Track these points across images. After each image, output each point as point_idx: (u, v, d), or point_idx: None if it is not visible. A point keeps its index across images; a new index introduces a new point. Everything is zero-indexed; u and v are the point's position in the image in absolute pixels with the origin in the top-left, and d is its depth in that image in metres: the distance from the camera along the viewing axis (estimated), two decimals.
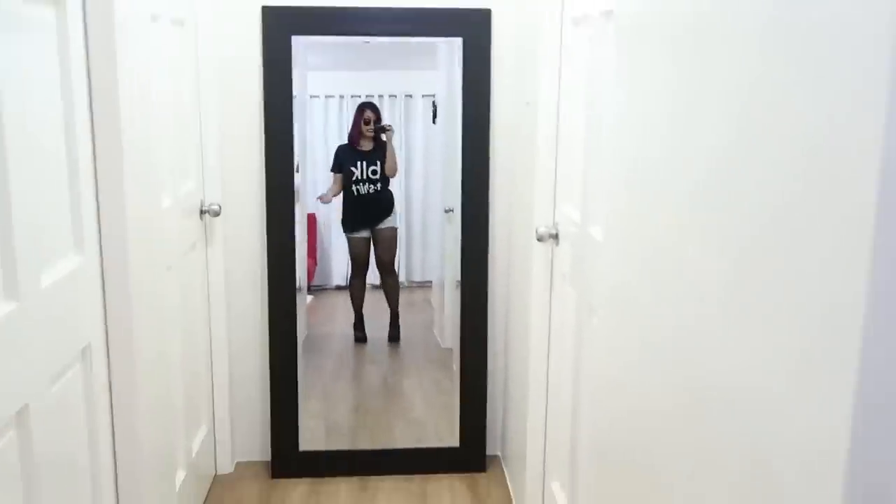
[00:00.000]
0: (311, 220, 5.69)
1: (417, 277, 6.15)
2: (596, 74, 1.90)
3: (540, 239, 2.30)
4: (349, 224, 4.57)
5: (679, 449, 1.27)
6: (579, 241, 2.05)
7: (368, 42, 4.32)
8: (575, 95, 2.14)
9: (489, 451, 3.07)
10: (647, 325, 1.42)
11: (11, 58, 1.37)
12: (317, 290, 6.02)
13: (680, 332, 1.26)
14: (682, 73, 1.21)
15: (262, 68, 2.78)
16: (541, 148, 2.33)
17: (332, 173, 4.56)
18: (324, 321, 5.29)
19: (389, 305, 4.67)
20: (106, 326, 1.80)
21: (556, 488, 2.38)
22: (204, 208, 2.70)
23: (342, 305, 4.77)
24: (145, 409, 1.94)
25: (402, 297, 4.90)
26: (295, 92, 2.85)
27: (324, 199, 4.66)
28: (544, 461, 2.51)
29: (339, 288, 5.88)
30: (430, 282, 5.61)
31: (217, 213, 2.72)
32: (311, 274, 5.77)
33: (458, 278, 2.98)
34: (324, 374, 4.13)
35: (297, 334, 2.95)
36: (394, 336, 4.62)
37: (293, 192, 2.87)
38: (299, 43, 3.57)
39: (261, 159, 2.84)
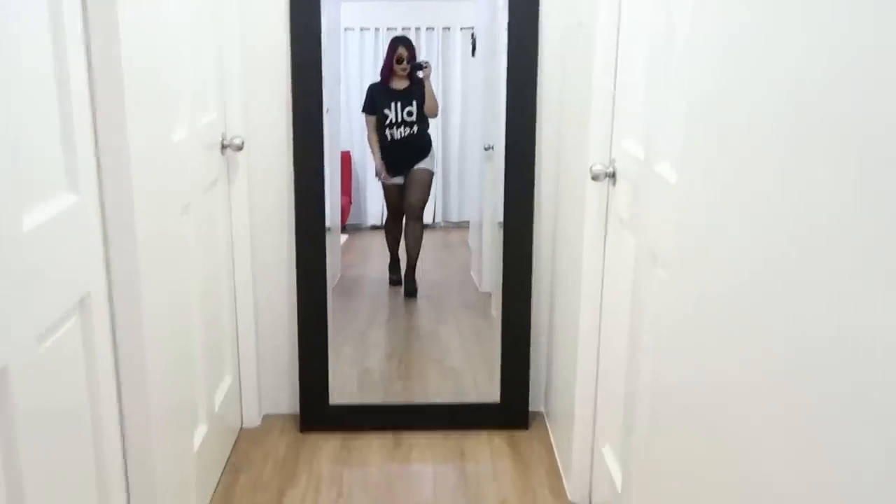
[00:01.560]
0: (346, 158, 5.48)
1: (454, 217, 5.94)
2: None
3: (595, 177, 2.05)
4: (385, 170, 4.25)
5: (750, 414, 1.06)
6: (642, 180, 1.79)
7: None
8: (638, 13, 1.86)
9: (532, 407, 2.87)
10: (722, 279, 1.19)
11: None
12: (352, 230, 5.85)
13: (763, 286, 1.02)
14: None
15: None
16: (597, 75, 2.06)
17: (364, 114, 4.26)
18: (358, 262, 5.10)
19: (408, 256, 4.33)
20: (108, 273, 1.60)
21: (608, 453, 2.17)
22: (226, 142, 2.48)
23: (378, 246, 4.54)
24: (156, 363, 1.76)
25: (439, 238, 4.67)
26: (327, 23, 2.60)
27: (381, 177, 4.29)
28: (594, 424, 2.30)
29: (374, 228, 5.70)
30: (468, 222, 5.39)
31: (240, 148, 2.50)
32: (345, 213, 5.58)
33: (500, 219, 2.74)
34: (357, 318, 3.94)
35: (328, 278, 2.75)
36: (410, 290, 4.26)
37: (321, 127, 2.62)
38: None
39: (287, 92, 2.60)
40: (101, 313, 1.56)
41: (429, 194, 4.34)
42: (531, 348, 2.78)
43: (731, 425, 1.16)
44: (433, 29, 5.75)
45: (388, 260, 4.45)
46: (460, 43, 5.74)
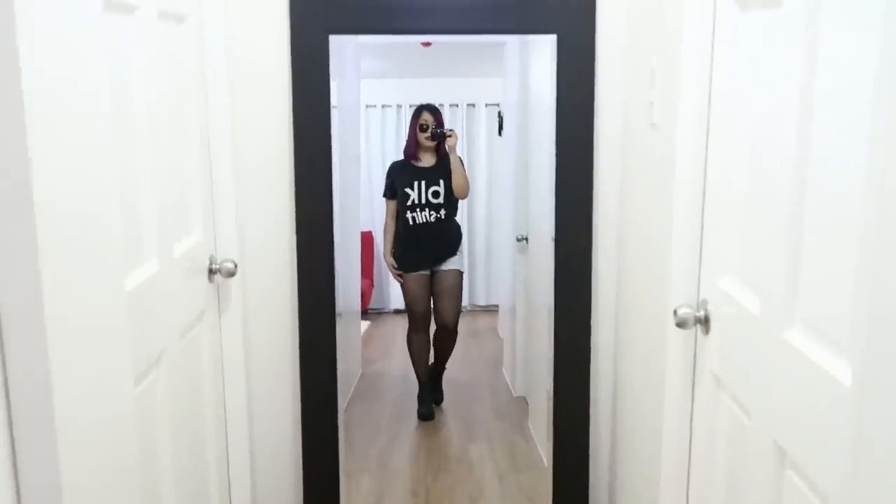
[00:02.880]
0: (367, 238, 5.10)
1: (482, 301, 5.51)
2: (801, 72, 1.17)
3: (681, 324, 1.57)
4: (404, 262, 3.62)
5: None
6: (757, 342, 1.32)
7: (430, 44, 3.68)
8: (742, 112, 1.42)
9: None
10: None
11: None
12: (374, 314, 5.44)
13: None
14: None
15: (290, 76, 2.11)
16: (680, 192, 1.60)
17: (384, 199, 3.70)
18: (380, 356, 4.65)
19: (436, 361, 3.78)
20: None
21: None
22: (215, 266, 2.04)
23: (402, 333, 4.00)
24: None
25: (465, 324, 4.17)
26: (348, 100, 2.20)
27: (396, 276, 3.71)
28: None
29: (397, 311, 5.27)
30: (497, 306, 4.94)
31: (232, 273, 2.05)
32: (366, 297, 5.17)
33: (542, 314, 2.27)
34: (377, 433, 3.45)
35: (346, 390, 2.28)
36: (437, 399, 3.74)
37: (331, 220, 2.18)
38: (348, 47, 2.95)
39: (290, 188, 2.18)
40: None
41: (460, 300, 3.72)
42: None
43: None
44: (457, 105, 5.46)
45: (412, 374, 3.87)
46: (485, 120, 5.45)
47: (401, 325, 4.31)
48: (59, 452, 1.12)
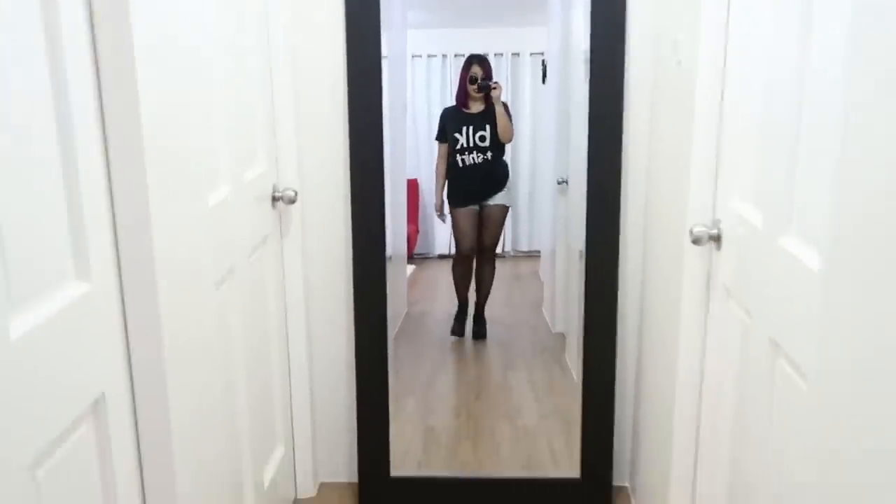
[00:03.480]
0: (413, 185, 5.28)
1: (524, 247, 5.68)
2: (800, 12, 1.32)
3: (696, 241, 1.75)
4: (454, 198, 3.97)
5: None
6: (759, 252, 1.49)
7: None
8: (753, 48, 1.57)
9: (616, 481, 2.56)
10: (886, 404, 0.89)
11: None
12: (419, 259, 5.64)
13: None
14: None
15: (345, 24, 2.30)
16: (699, 122, 1.76)
17: (436, 142, 4.00)
18: (425, 297, 4.86)
19: (478, 296, 4.07)
20: (129, 368, 1.38)
21: None
22: (278, 194, 2.26)
23: (445, 277, 4.25)
24: (186, 462, 1.53)
25: (507, 269, 4.41)
26: (395, 51, 2.37)
27: (438, 214, 4.04)
28: None
29: (441, 257, 5.48)
30: (538, 252, 5.12)
31: (293, 200, 2.27)
32: (412, 242, 5.38)
33: (578, 252, 2.45)
34: (422, 364, 3.69)
35: (393, 324, 2.49)
36: (479, 333, 4.00)
37: (382, 166, 2.37)
38: None
39: (344, 133, 2.37)
40: (119, 415, 1.34)
41: (501, 232, 4.07)
42: (616, 419, 2.48)
43: None
44: (502, 55, 5.55)
45: (455, 297, 4.17)
46: (530, 69, 5.53)
47: (444, 270, 4.52)
48: (162, 328, 1.36)
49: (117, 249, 1.32)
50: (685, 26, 1.89)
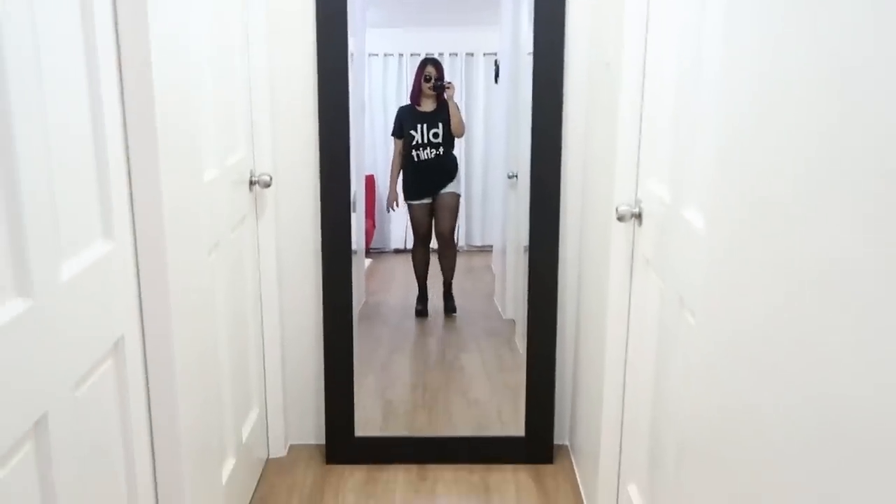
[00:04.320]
0: (370, 181, 5.53)
1: (478, 242, 5.96)
2: (695, 27, 1.63)
3: (621, 218, 2.05)
4: (410, 192, 4.31)
5: (778, 463, 1.05)
6: (668, 223, 1.80)
7: None
8: (666, 54, 1.88)
9: (557, 440, 2.87)
10: (757, 333, 1.19)
11: (23, 15, 1.18)
12: (375, 254, 5.88)
13: (800, 345, 1.02)
14: (832, 19, 0.95)
15: (314, 23, 2.56)
16: (623, 115, 2.07)
17: (392, 138, 4.31)
18: (382, 288, 5.13)
19: (444, 276, 4.44)
20: (141, 316, 1.63)
21: (633, 492, 2.16)
22: (254, 178, 2.52)
23: (401, 270, 4.57)
24: (187, 400, 1.78)
25: (461, 262, 4.71)
26: (352, 49, 2.63)
27: (390, 207, 4.40)
28: (620, 461, 2.29)
29: (397, 251, 5.73)
30: (491, 246, 5.41)
31: (268, 184, 2.54)
32: (369, 237, 5.62)
33: (525, 247, 2.76)
34: (380, 346, 3.96)
35: (354, 310, 2.76)
36: (450, 308, 4.39)
37: (348, 159, 2.66)
38: None
39: (314, 124, 2.63)
40: (134, 355, 1.59)
41: (457, 217, 4.41)
42: (556, 381, 2.79)
43: (759, 473, 1.16)
44: (456, 55, 5.79)
45: (410, 286, 4.48)
46: (483, 69, 5.79)
47: (400, 263, 4.82)
48: (168, 282, 1.62)
49: (133, 214, 1.57)
50: (612, 32, 2.19)
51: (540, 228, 2.67)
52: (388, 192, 4.40)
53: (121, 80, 1.52)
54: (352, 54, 2.66)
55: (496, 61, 4.81)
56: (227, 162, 2.24)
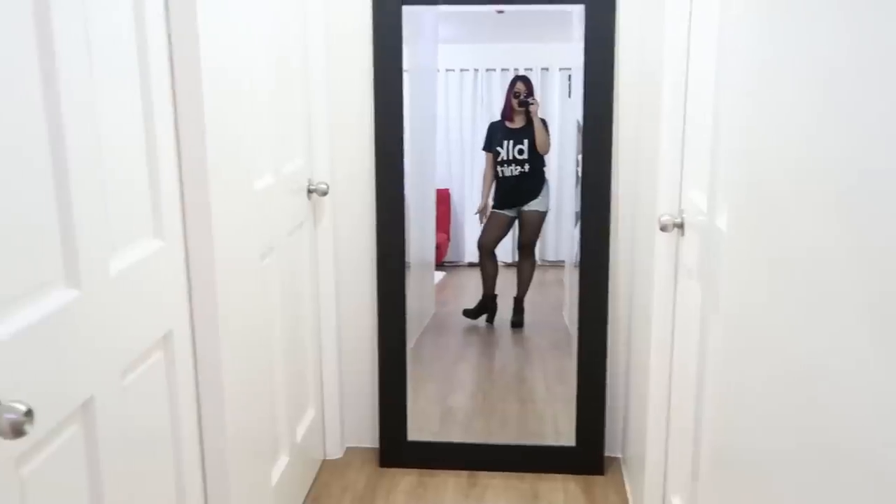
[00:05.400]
0: (444, 195, 5.61)
1: (551, 257, 5.96)
2: (725, 38, 1.64)
3: (663, 228, 2.06)
4: (496, 203, 4.41)
5: (806, 477, 1.05)
6: (706, 232, 1.80)
7: (503, 11, 4.18)
8: (707, 64, 1.88)
9: (609, 452, 2.87)
10: (773, 335, 1.19)
11: (81, 26, 1.29)
12: (449, 267, 5.95)
13: (813, 349, 1.03)
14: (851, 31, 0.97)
15: (372, 40, 2.65)
16: (665, 125, 2.08)
17: (484, 152, 4.41)
18: (452, 300, 5.20)
19: (518, 290, 4.47)
20: (191, 312, 1.73)
21: (677, 503, 2.15)
22: (312, 187, 2.62)
23: (473, 283, 4.63)
24: (235, 396, 1.88)
25: (535, 277, 4.75)
26: (425, 64, 2.71)
27: (480, 217, 4.48)
28: (665, 472, 2.28)
29: (471, 265, 5.78)
30: (563, 261, 5.42)
31: (325, 193, 2.64)
32: (442, 250, 5.71)
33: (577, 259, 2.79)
34: (445, 355, 4.02)
35: (421, 320, 2.83)
36: (518, 321, 4.40)
37: (402, 170, 2.73)
38: (426, 14, 3.45)
39: (370, 136, 2.72)
40: (183, 349, 1.69)
41: (538, 233, 4.46)
42: (608, 392, 2.79)
43: (786, 485, 1.16)
44: (532, 70, 5.82)
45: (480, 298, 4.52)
46: (559, 84, 5.80)
47: (474, 277, 4.88)
48: (216, 282, 1.72)
49: (184, 216, 1.68)
50: (656, 44, 2.21)
51: (590, 239, 2.68)
52: (480, 204, 4.53)
53: (174, 93, 1.63)
54: (410, 69, 2.74)
55: (569, 76, 4.85)
56: (284, 170, 2.35)
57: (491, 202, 4.40)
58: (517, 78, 4.27)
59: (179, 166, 1.66)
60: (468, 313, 4.42)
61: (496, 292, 4.49)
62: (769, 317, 1.22)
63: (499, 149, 4.23)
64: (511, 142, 4.21)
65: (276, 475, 2.32)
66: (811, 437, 1.05)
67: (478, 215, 4.49)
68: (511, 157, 4.21)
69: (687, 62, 2.03)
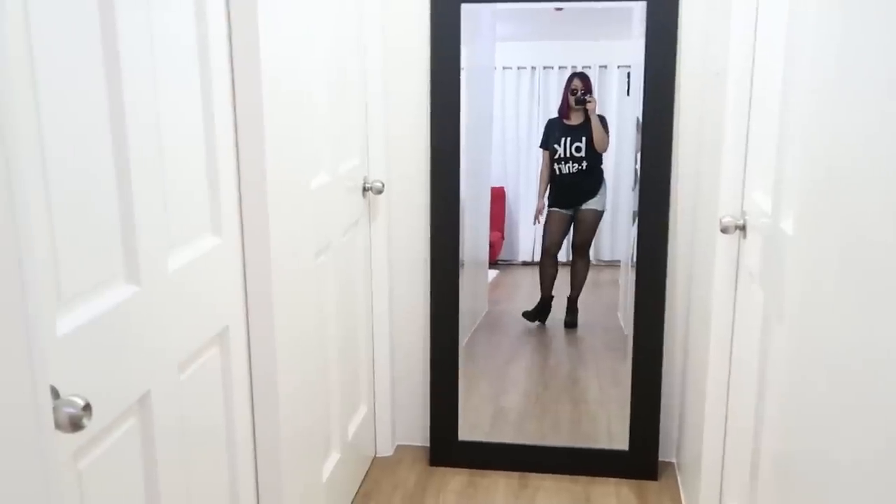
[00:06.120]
0: (500, 193, 5.59)
1: (606, 256, 5.88)
2: (794, 34, 1.59)
3: (724, 230, 2.01)
4: (552, 201, 4.35)
5: (875, 487, 1.01)
6: (770, 235, 1.75)
7: (562, 9, 4.15)
8: (773, 62, 1.83)
9: (663, 457, 2.82)
10: (841, 338, 1.15)
11: (144, 26, 1.31)
12: (504, 265, 5.93)
13: (883, 354, 0.99)
14: None
15: (430, 39, 2.65)
16: (728, 125, 2.03)
17: (541, 149, 4.38)
18: (506, 298, 5.17)
19: (572, 290, 4.43)
20: (247, 309, 1.75)
21: None
22: (367, 185, 2.63)
23: (528, 282, 4.60)
24: (289, 392, 1.89)
25: (589, 276, 4.69)
26: (482, 63, 2.70)
27: (537, 216, 4.44)
28: (722, 478, 2.23)
29: (525, 264, 5.74)
30: (619, 261, 5.35)
31: (380, 191, 2.64)
32: (496, 249, 5.68)
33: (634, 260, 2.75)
34: (498, 355, 4.00)
35: (475, 319, 2.82)
36: (571, 322, 4.36)
37: (458, 169, 2.72)
38: (484, 11, 3.44)
39: (426, 135, 2.72)
40: (238, 345, 1.71)
41: (594, 232, 4.41)
42: (663, 396, 2.74)
43: (862, 493, 1.12)
44: (590, 67, 5.76)
45: (535, 297, 4.48)
46: (617, 81, 5.73)
47: (527, 276, 4.85)
48: (272, 281, 1.73)
49: (241, 215, 1.69)
50: (721, 41, 2.15)
51: (648, 239, 2.64)
52: (536, 203, 4.49)
53: (233, 94, 1.64)
54: (466, 68, 2.72)
55: (628, 73, 4.79)
56: (340, 169, 2.35)
57: (546, 202, 4.37)
58: (574, 74, 4.22)
59: (238, 166, 1.67)
60: (528, 315, 4.38)
61: (552, 293, 4.46)
62: (837, 320, 1.18)
63: (556, 146, 4.18)
64: (568, 139, 4.15)
65: (327, 471, 2.33)
66: (881, 444, 1.01)
67: (536, 220, 4.45)
68: (568, 155, 4.16)
69: (753, 59, 1.97)
